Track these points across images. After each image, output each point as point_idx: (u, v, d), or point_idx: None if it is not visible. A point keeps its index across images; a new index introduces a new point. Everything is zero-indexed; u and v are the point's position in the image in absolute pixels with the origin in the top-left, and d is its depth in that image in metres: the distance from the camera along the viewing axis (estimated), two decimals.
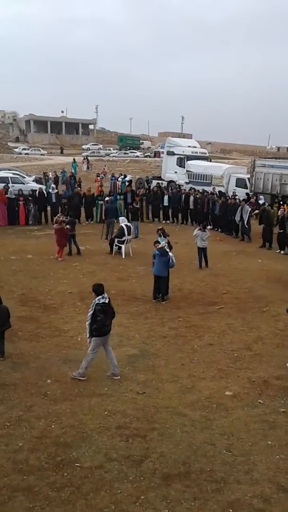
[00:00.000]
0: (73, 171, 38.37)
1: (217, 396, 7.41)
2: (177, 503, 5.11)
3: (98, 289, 7.78)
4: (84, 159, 48.57)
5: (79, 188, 24.45)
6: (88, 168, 45.04)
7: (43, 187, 24.63)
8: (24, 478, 5.39)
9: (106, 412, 6.81)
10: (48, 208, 22.35)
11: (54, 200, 22.17)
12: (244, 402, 7.25)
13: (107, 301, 7.76)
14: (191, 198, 23.04)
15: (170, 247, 12.19)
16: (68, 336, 9.53)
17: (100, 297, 7.70)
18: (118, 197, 23.25)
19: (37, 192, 22.27)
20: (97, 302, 7.66)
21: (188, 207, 23.19)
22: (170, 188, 25.98)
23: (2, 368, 7.99)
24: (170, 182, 29.66)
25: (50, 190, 22.92)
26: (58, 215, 18.20)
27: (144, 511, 4.98)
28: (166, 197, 23.64)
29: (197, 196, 22.96)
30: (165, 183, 29.44)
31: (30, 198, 21.71)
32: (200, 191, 24.00)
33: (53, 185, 25.48)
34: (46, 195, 22.39)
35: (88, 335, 7.76)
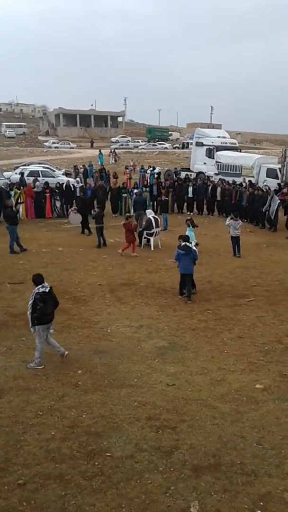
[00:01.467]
0: (99, 162, 38.52)
1: (248, 389, 7.36)
2: (207, 494, 5.12)
3: (37, 279, 7.99)
4: (110, 152, 48.54)
5: (102, 182, 24.55)
6: (115, 161, 45.02)
7: (72, 180, 24.81)
8: (56, 466, 5.51)
9: (136, 403, 6.87)
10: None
11: (78, 194, 22.35)
12: (275, 395, 7.18)
13: (47, 290, 7.89)
14: (218, 189, 22.78)
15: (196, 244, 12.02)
16: (98, 327, 9.63)
17: (39, 286, 7.86)
18: (144, 189, 23.23)
19: (64, 185, 22.48)
20: (37, 291, 7.81)
21: (215, 198, 22.94)
22: (195, 179, 25.68)
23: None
24: (199, 173, 29.40)
25: (75, 184, 23.02)
26: (72, 208, 18.50)
27: (174, 501, 5.02)
28: (190, 189, 23.38)
29: (225, 187, 22.69)
30: (194, 175, 29.21)
31: (57, 191, 21.94)
32: (230, 182, 23.72)
33: (77, 179, 25.64)
34: (73, 189, 22.56)
35: (30, 324, 7.84)
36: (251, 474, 5.45)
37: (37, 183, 22.71)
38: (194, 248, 11.55)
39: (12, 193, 20.36)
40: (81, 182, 24.48)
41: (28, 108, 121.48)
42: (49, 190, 21.71)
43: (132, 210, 22.58)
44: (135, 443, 5.96)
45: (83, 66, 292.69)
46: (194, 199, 23.58)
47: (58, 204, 22.17)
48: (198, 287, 11.95)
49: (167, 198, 20.73)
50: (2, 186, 20.45)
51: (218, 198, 22.77)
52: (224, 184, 23.12)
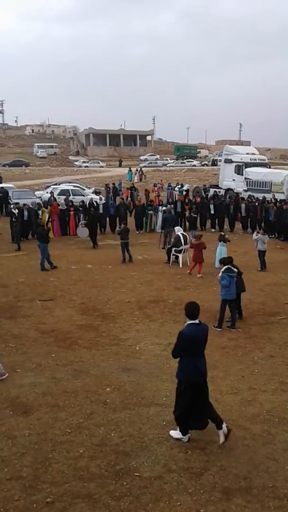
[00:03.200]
0: (128, 180, 38.95)
1: (280, 409, 7.16)
2: None
3: None
4: (136, 170, 48.72)
5: (122, 199, 25.01)
6: (140, 179, 45.06)
7: (95, 197, 25.17)
8: (84, 485, 5.47)
9: (164, 423, 6.78)
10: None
11: (101, 211, 22.63)
12: None
13: None
14: (243, 205, 22.74)
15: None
16: (127, 344, 9.62)
17: None
18: (167, 205, 23.37)
19: (87, 203, 22.82)
20: None
21: (238, 214, 22.90)
22: (217, 197, 25.70)
23: (64, 376, 8.18)
24: (228, 190, 29.33)
25: (98, 201, 23.36)
26: (81, 222, 18.90)
27: None
28: (212, 206, 23.44)
29: (249, 203, 22.60)
30: (222, 192, 29.16)
31: (80, 209, 22.31)
32: (258, 198, 23.58)
33: (100, 196, 26.01)
34: (95, 206, 22.84)
35: None
36: (283, 498, 5.27)
37: (59, 201, 23.22)
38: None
39: (40, 212, 20.82)
40: (105, 200, 24.84)
41: (59, 129, 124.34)
42: (73, 208, 22.10)
43: (156, 227, 22.83)
44: (164, 464, 5.86)
45: (113, 87, 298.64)
46: (216, 216, 23.53)
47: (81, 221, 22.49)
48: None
49: (195, 215, 20.72)
50: (31, 206, 20.94)
51: (244, 214, 22.71)
52: (247, 200, 23.15)
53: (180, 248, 16.11)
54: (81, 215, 22.08)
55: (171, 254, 16.42)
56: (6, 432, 6.48)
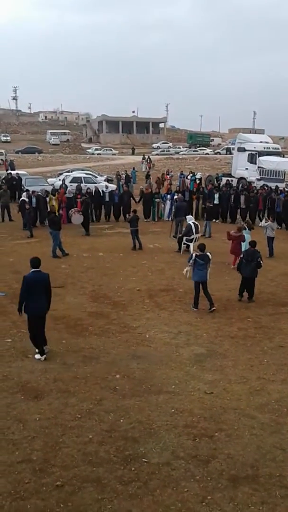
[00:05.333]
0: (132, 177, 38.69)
1: None
2: (245, 506, 5.03)
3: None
4: (143, 158, 48.06)
5: (126, 187, 24.86)
6: (149, 168, 43.99)
7: (102, 184, 25.09)
8: (93, 469, 5.56)
9: (173, 410, 6.84)
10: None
11: (107, 199, 22.60)
12: None
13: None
14: (242, 197, 22.24)
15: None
16: (137, 332, 9.68)
17: None
18: (176, 195, 23.24)
19: (93, 191, 22.81)
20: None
21: (237, 206, 22.38)
22: (225, 186, 25.29)
23: (74, 362, 8.28)
24: (241, 179, 29.08)
25: (104, 189, 23.32)
26: (73, 209, 18.86)
27: (210, 511, 4.96)
28: (216, 195, 22.86)
29: (250, 194, 22.21)
30: (235, 180, 28.92)
31: (86, 196, 22.31)
32: (271, 188, 23.31)
33: (106, 184, 25.91)
34: (101, 194, 22.82)
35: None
36: None
37: (69, 188, 23.17)
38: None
39: (48, 199, 20.88)
40: (116, 188, 24.78)
41: (72, 116, 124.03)
42: (80, 195, 22.09)
43: (164, 215, 22.76)
44: (172, 450, 5.93)
45: (126, 74, 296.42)
46: (220, 206, 23.04)
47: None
48: (239, 295, 11.78)
49: (211, 205, 20.40)
50: (39, 193, 20.99)
51: (243, 206, 22.16)
52: (250, 190, 22.77)
53: (192, 237, 16.06)
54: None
55: (182, 243, 16.39)
56: (17, 416, 6.60)
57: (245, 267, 11.49)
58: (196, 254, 11.12)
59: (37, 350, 8.40)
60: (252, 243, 11.90)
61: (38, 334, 8.38)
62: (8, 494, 5.12)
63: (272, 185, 24.73)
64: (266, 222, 15.99)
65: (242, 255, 11.94)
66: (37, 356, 8.37)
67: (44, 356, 8.33)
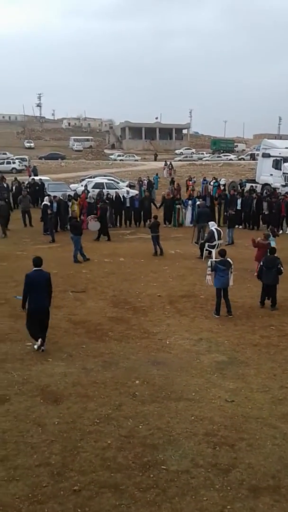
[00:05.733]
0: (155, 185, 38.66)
1: None
2: None
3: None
4: (165, 164, 47.75)
5: (148, 192, 24.92)
6: (170, 174, 43.78)
7: (123, 191, 25.16)
8: (111, 475, 5.51)
9: (193, 417, 6.74)
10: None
11: (128, 205, 22.64)
12: None
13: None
14: (265, 203, 21.95)
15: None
16: (157, 338, 9.61)
17: None
18: (197, 200, 23.12)
19: (114, 196, 22.89)
20: None
21: (260, 211, 22.10)
22: (249, 192, 24.99)
23: (94, 367, 8.26)
24: (265, 185, 28.78)
25: (125, 195, 23.40)
26: (90, 216, 18.83)
27: None
28: (239, 201, 22.65)
29: (272, 200, 21.91)
30: (259, 187, 28.64)
31: (107, 202, 22.42)
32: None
33: (128, 189, 25.97)
34: (122, 199, 22.88)
35: None
36: None
37: (90, 194, 23.34)
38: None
39: (70, 204, 21.07)
40: (138, 194, 24.88)
41: (96, 122, 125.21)
42: (101, 201, 22.20)
43: (184, 221, 22.68)
44: (191, 458, 5.84)
45: (150, 80, 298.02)
46: (242, 211, 22.77)
47: (108, 214, 22.54)
48: (260, 302, 11.62)
49: (233, 212, 20.18)
50: (61, 198, 21.19)
51: (266, 212, 21.89)
52: (271, 197, 22.46)
53: (214, 243, 15.93)
54: (108, 208, 22.23)
55: (204, 249, 16.27)
56: (36, 420, 6.60)
57: (266, 274, 11.35)
58: (216, 260, 11.03)
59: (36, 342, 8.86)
60: (272, 250, 11.78)
61: (39, 330, 8.79)
62: (25, 498, 5.11)
63: None
64: None
65: (262, 263, 11.79)
66: (35, 345, 8.84)
67: (42, 348, 8.74)
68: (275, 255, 11.52)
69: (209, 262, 11.47)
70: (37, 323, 8.75)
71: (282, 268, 11.26)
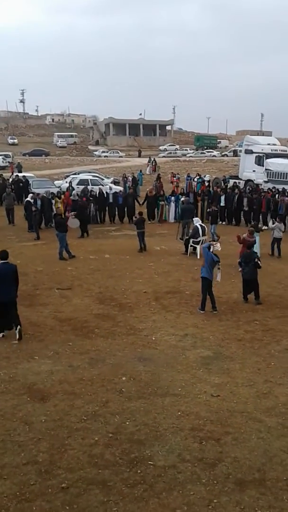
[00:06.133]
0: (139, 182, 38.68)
1: None
2: (251, 509, 4.99)
3: None
4: (149, 161, 47.66)
5: (131, 189, 24.98)
6: (154, 170, 43.82)
7: (106, 187, 25.11)
8: (99, 472, 5.54)
9: (179, 413, 6.81)
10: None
11: (111, 200, 22.64)
12: None
13: None
14: (245, 199, 22.13)
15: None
16: (143, 335, 9.65)
17: None
18: (180, 197, 23.27)
19: (97, 192, 22.86)
20: None
21: (242, 208, 22.26)
22: (231, 188, 25.13)
23: (80, 364, 8.27)
24: (248, 181, 29.00)
25: (108, 191, 23.38)
26: (71, 213, 18.78)
27: None
28: (222, 198, 22.78)
29: (253, 196, 22.10)
30: (242, 183, 28.85)
31: (91, 198, 22.38)
32: (279, 190, 23.19)
33: (110, 185, 25.90)
34: (105, 196, 22.85)
35: None
36: None
37: (74, 191, 23.24)
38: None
39: (53, 201, 20.96)
40: (123, 190, 24.86)
41: (79, 118, 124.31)
42: (86, 198, 22.18)
43: (167, 217, 22.76)
44: (178, 453, 5.90)
45: (134, 77, 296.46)
46: (225, 208, 22.89)
47: (91, 211, 22.51)
48: (243, 298, 11.75)
49: (216, 209, 20.22)
50: (44, 195, 21.07)
51: (245, 208, 22.06)
52: (251, 193, 22.67)
53: (198, 239, 16.04)
54: (92, 205, 22.20)
55: (189, 245, 16.36)
56: (23, 418, 6.60)
57: (244, 269, 11.59)
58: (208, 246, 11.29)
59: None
60: (249, 245, 12.12)
61: (5, 319, 9.23)
62: (13, 496, 5.12)
63: (280, 187, 24.63)
64: (273, 224, 16.31)
65: (240, 259, 12.00)
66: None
67: (3, 334, 9.26)
68: (252, 250, 11.85)
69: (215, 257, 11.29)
70: (4, 315, 9.14)
71: (259, 262, 11.43)
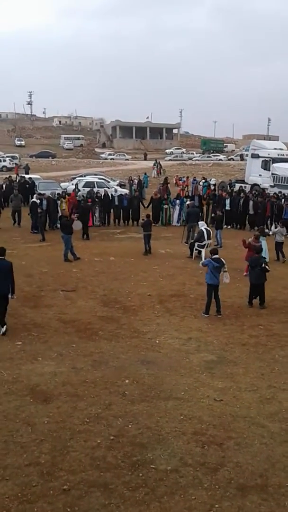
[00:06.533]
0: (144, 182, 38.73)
1: None
2: None
3: None
4: (154, 164, 47.58)
5: (137, 192, 25.01)
6: (158, 174, 43.91)
7: (111, 190, 25.13)
8: (101, 474, 5.54)
9: (182, 417, 6.79)
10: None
11: (116, 203, 22.68)
12: None
13: None
14: (250, 202, 22.10)
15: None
16: (147, 338, 9.65)
17: None
18: (185, 200, 23.27)
19: (102, 195, 22.91)
20: None
21: (247, 211, 22.19)
22: (233, 192, 25.05)
23: (83, 366, 8.27)
24: (254, 185, 28.96)
25: (113, 193, 23.41)
26: (74, 215, 18.74)
27: None
28: (228, 201, 22.69)
29: (258, 200, 22.07)
30: (248, 187, 28.81)
31: (96, 200, 22.42)
32: (285, 195, 23.12)
33: (116, 187, 25.93)
34: (111, 198, 22.87)
35: None
36: None
37: (79, 193, 23.30)
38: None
39: (59, 202, 21.01)
40: (128, 193, 24.89)
41: (86, 121, 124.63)
42: (91, 200, 22.23)
43: (172, 221, 22.75)
44: (180, 457, 5.89)
45: (141, 80, 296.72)
46: (231, 211, 22.74)
47: (97, 213, 22.53)
48: (248, 302, 11.73)
49: (221, 213, 20.13)
50: (50, 195, 21.12)
51: (251, 211, 22.00)
52: (255, 197, 22.58)
53: (203, 243, 16.02)
54: (97, 206, 22.25)
55: (194, 249, 16.35)
56: (26, 419, 6.61)
57: (251, 274, 11.62)
58: (211, 258, 11.18)
59: None
60: (257, 250, 12.09)
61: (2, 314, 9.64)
62: (15, 497, 5.12)
63: (286, 192, 24.57)
64: (275, 228, 16.50)
65: (248, 263, 12.02)
66: None
67: (3, 331, 9.51)
68: (260, 254, 11.81)
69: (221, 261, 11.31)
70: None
71: (267, 266, 11.40)
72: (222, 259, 11.21)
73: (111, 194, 23.11)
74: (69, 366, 8.26)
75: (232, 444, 6.19)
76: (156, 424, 6.59)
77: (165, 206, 23.11)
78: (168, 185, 29.34)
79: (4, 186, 27.03)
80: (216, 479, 5.51)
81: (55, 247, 17.10)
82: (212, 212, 22.37)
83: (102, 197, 22.77)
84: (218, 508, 5.05)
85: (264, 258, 11.65)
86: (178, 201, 23.26)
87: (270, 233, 16.74)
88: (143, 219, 18.03)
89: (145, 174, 38.07)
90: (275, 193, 24.78)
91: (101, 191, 23.95)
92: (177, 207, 23.03)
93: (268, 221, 21.43)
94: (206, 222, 19.87)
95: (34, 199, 20.64)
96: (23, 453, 5.88)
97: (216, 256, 11.12)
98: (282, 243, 16.20)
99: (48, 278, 13.60)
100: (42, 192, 22.30)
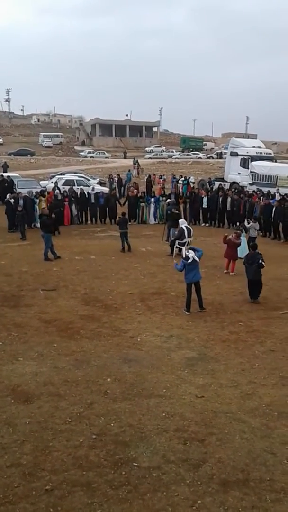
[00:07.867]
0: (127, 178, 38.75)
1: (279, 404, 7.19)
2: (235, 510, 5.02)
3: None
4: (134, 163, 47.77)
5: (114, 191, 25.10)
6: (138, 173, 44.16)
7: (88, 188, 25.00)
8: (83, 473, 5.53)
9: (164, 414, 6.83)
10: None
11: (92, 201, 22.65)
12: None
13: None
14: (228, 199, 22.41)
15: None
16: (128, 336, 9.65)
17: None
18: (160, 198, 23.35)
19: (78, 193, 22.84)
20: None
21: (225, 209, 22.51)
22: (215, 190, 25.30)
23: (65, 365, 8.24)
24: (233, 183, 29.23)
25: (90, 191, 23.36)
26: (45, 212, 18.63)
27: None
28: (205, 199, 22.95)
29: (234, 197, 22.39)
30: (227, 185, 29.05)
31: (72, 199, 22.33)
32: (264, 192, 23.39)
33: (93, 186, 25.91)
34: (87, 196, 22.82)
35: None
36: (280, 491, 5.32)
37: (57, 191, 23.17)
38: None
39: (37, 200, 20.84)
40: (108, 191, 24.90)
41: (65, 119, 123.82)
42: (68, 199, 22.13)
43: (147, 218, 22.85)
44: (163, 454, 5.92)
45: (121, 78, 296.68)
46: (208, 209, 23.08)
47: (74, 211, 22.46)
48: (230, 298, 11.84)
49: (176, 212, 19.84)
50: (27, 194, 20.94)
51: (228, 208, 22.35)
52: (234, 194, 22.91)
53: (184, 240, 16.08)
54: (74, 205, 22.21)
55: (175, 247, 16.41)
56: (6, 420, 6.55)
57: (248, 270, 11.76)
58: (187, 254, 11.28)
59: None
60: (253, 246, 12.17)
61: None
62: None
63: (264, 189, 24.86)
64: (248, 224, 16.94)
65: (244, 260, 12.17)
66: None
67: None
68: (257, 251, 11.87)
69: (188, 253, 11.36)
70: None
71: (263, 262, 11.56)
72: (189, 248, 11.36)
73: (87, 192, 23.03)
74: (51, 366, 8.21)
75: (214, 440, 6.24)
76: (138, 422, 6.61)
77: (142, 204, 23.19)
78: (152, 182, 29.49)
79: None
80: (198, 475, 5.55)
81: (34, 246, 16.95)
82: (189, 210, 22.51)
83: (78, 195, 22.68)
84: (200, 504, 5.09)
85: (260, 254, 11.73)
86: (153, 199, 23.37)
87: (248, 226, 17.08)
88: (119, 217, 18.05)
89: (129, 171, 38.12)
90: (254, 190, 25.06)
91: (77, 189, 23.87)
92: (152, 205, 23.14)
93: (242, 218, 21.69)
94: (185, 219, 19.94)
95: (7, 198, 20.46)
96: (4, 454, 5.83)
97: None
98: (255, 238, 16.43)
99: (28, 278, 13.48)
100: (21, 191, 22.07)
